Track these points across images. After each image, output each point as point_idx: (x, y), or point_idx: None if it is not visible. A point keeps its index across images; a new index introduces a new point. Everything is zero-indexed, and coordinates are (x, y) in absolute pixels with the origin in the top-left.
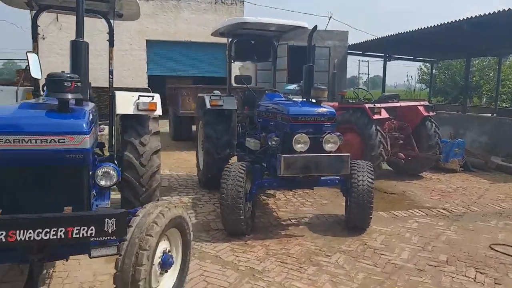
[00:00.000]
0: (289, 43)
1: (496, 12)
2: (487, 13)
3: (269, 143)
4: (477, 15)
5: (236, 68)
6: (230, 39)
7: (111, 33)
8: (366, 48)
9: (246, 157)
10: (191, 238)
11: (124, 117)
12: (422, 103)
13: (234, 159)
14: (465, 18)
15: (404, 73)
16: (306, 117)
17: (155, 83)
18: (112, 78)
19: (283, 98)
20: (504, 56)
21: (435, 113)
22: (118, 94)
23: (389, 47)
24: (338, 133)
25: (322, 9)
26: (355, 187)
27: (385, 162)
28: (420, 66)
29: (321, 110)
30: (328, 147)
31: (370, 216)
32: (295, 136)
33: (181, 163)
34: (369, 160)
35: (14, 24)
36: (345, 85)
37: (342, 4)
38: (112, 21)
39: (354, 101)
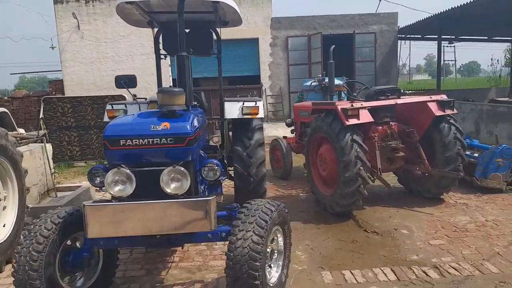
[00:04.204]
0: (322, 32)
1: None
2: None
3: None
4: None
5: (266, 64)
6: (156, 29)
7: None
8: (421, 31)
9: None
10: None
11: None
12: (434, 97)
13: None
14: None
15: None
16: (132, 139)
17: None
18: None
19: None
20: None
21: (455, 111)
22: None
23: (446, 26)
24: (215, 161)
25: None
26: (230, 251)
27: (371, 183)
28: (508, 47)
29: (161, 126)
30: (171, 188)
31: None
32: (109, 172)
33: None
34: (343, 185)
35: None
36: (396, 76)
37: None
38: None
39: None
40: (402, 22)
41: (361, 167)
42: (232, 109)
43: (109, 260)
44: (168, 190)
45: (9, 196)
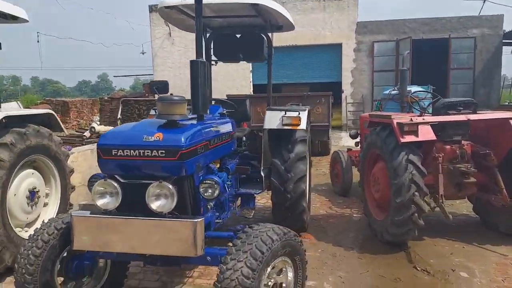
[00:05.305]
0: (412, 37)
1: None
2: None
3: None
4: None
5: (349, 70)
6: (208, 35)
7: None
8: None
9: None
10: None
11: None
12: None
13: None
14: None
15: None
16: (123, 149)
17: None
18: None
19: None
20: None
21: None
22: None
23: None
24: (215, 177)
25: None
26: (218, 281)
27: (431, 210)
28: None
29: (154, 137)
30: (156, 205)
31: None
32: (96, 183)
33: None
34: (394, 212)
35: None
36: (498, 87)
37: None
38: None
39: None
40: (508, 26)
41: (415, 193)
42: (273, 119)
43: (117, 270)
44: (153, 207)
45: (51, 193)
